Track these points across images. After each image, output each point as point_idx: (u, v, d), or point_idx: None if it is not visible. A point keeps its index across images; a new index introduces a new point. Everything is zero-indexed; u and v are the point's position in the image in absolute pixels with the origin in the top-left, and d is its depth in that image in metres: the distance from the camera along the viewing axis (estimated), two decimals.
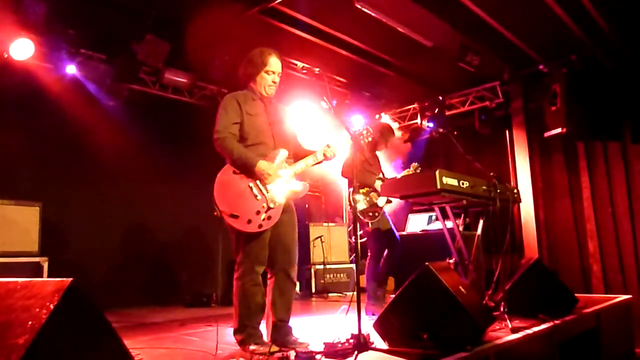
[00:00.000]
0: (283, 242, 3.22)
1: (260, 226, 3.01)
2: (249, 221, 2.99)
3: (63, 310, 1.71)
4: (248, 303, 3.07)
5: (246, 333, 3.04)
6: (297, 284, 7.66)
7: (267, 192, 3.08)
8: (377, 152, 5.27)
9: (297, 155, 3.35)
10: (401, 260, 4.91)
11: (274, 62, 3.25)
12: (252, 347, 2.99)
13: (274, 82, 3.27)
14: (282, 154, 3.19)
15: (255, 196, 3.05)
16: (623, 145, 6.48)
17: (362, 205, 4.74)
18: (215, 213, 2.99)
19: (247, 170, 3.06)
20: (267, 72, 3.23)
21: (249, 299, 3.07)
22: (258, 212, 3.02)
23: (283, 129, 3.32)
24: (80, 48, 5.92)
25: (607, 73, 6.42)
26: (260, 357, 2.83)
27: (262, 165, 3.04)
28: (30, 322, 1.64)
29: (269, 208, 3.05)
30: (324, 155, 3.28)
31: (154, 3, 5.68)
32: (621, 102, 6.36)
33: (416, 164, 5.05)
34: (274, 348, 2.99)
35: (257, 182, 3.07)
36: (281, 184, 3.13)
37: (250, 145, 3.14)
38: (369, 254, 4.94)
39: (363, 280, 4.99)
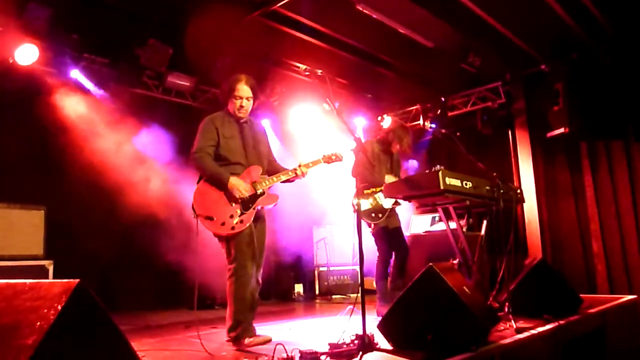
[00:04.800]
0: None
1: (232, 228, 3.28)
2: (223, 223, 3.28)
3: (70, 311, 1.73)
4: (242, 297, 3.27)
5: (241, 328, 3.23)
6: (302, 285, 7.73)
7: (241, 201, 3.35)
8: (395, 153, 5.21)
9: (272, 170, 3.66)
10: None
11: (241, 88, 3.47)
12: (246, 341, 3.18)
13: (242, 106, 3.49)
14: (255, 170, 3.48)
15: (230, 202, 3.34)
16: (626, 144, 6.46)
17: (366, 205, 4.72)
18: (193, 216, 3.29)
19: (220, 185, 3.34)
20: (235, 97, 3.47)
21: (244, 293, 3.27)
22: (231, 216, 3.31)
23: (257, 149, 3.58)
24: (84, 52, 5.95)
25: (609, 72, 6.40)
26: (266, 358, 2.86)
27: (233, 181, 3.33)
28: (38, 323, 1.66)
29: (242, 213, 3.33)
30: (295, 173, 3.57)
31: (156, 7, 5.71)
32: (624, 101, 6.34)
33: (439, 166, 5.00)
34: (267, 337, 3.22)
35: (231, 194, 3.35)
36: (254, 195, 3.40)
37: (226, 165, 3.42)
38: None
39: (367, 282, 4.98)
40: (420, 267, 2.96)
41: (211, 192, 3.35)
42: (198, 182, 3.43)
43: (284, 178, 3.56)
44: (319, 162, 3.69)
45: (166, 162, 6.60)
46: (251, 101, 3.53)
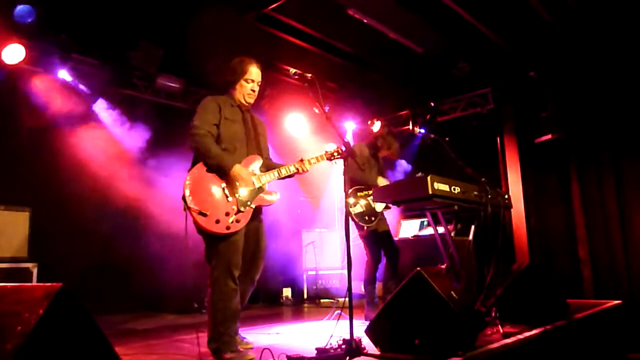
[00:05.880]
0: (252, 250, 3.26)
1: (227, 228, 3.01)
2: (217, 221, 2.99)
3: (52, 315, 1.69)
4: (224, 307, 3.03)
5: (221, 341, 3.00)
6: (290, 289, 7.70)
7: (239, 196, 3.10)
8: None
9: (267, 168, 3.41)
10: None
11: (254, 71, 3.30)
12: (227, 356, 2.96)
13: (253, 91, 3.31)
14: (257, 161, 3.26)
15: (227, 197, 3.06)
16: (613, 151, 6.52)
17: (358, 208, 4.73)
18: (183, 209, 2.99)
19: (221, 172, 3.07)
20: (246, 80, 3.29)
21: (225, 303, 3.03)
22: (227, 214, 3.03)
23: (257, 140, 3.38)
24: (72, 53, 5.90)
25: (597, 80, 6.48)
26: None
27: (237, 169, 3.07)
28: (19, 328, 1.62)
29: (238, 211, 3.07)
30: (297, 169, 3.35)
31: (147, 8, 5.67)
32: (612, 109, 6.41)
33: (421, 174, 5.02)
34: (250, 355, 3.02)
35: (230, 184, 3.10)
36: (253, 190, 3.17)
37: (223, 150, 3.16)
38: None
39: (355, 286, 4.97)
40: (408, 272, 2.96)
41: (207, 182, 3.03)
42: (190, 169, 3.11)
43: (285, 173, 3.31)
44: (322, 158, 3.45)
45: (153, 164, 6.56)
46: (258, 87, 3.34)
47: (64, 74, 5.87)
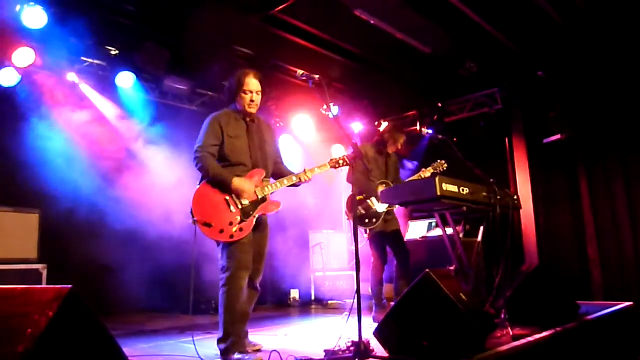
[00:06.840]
0: (254, 256, 3.35)
1: (231, 236, 3.19)
2: (221, 231, 3.18)
3: (62, 318, 1.70)
4: (233, 308, 3.14)
5: (230, 342, 3.09)
6: (297, 290, 7.70)
7: (241, 206, 3.26)
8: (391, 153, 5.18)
9: (277, 172, 3.59)
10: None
11: (251, 82, 3.39)
12: (236, 356, 3.03)
13: (252, 101, 3.41)
14: (259, 173, 3.38)
15: (230, 209, 3.24)
16: (622, 150, 6.46)
17: (358, 212, 4.70)
18: (191, 221, 3.19)
19: (224, 187, 3.25)
20: (245, 92, 3.38)
21: (234, 304, 3.15)
22: (231, 224, 3.21)
23: (263, 150, 3.49)
24: (81, 56, 5.94)
25: (605, 79, 6.43)
26: None
27: (237, 182, 3.24)
28: (29, 330, 1.63)
29: (242, 220, 3.24)
30: (300, 179, 3.46)
31: (154, 10, 5.70)
32: (620, 108, 6.36)
33: (442, 161, 5.01)
34: (258, 357, 3.05)
35: (233, 196, 3.27)
36: (256, 201, 3.32)
37: (230, 166, 3.34)
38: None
39: (364, 287, 4.94)
40: (416, 274, 2.95)
41: (211, 196, 3.24)
42: (199, 183, 3.32)
43: (287, 184, 3.44)
44: (326, 167, 3.52)
45: (162, 165, 6.58)
46: (260, 95, 3.44)
47: (72, 77, 5.92)
